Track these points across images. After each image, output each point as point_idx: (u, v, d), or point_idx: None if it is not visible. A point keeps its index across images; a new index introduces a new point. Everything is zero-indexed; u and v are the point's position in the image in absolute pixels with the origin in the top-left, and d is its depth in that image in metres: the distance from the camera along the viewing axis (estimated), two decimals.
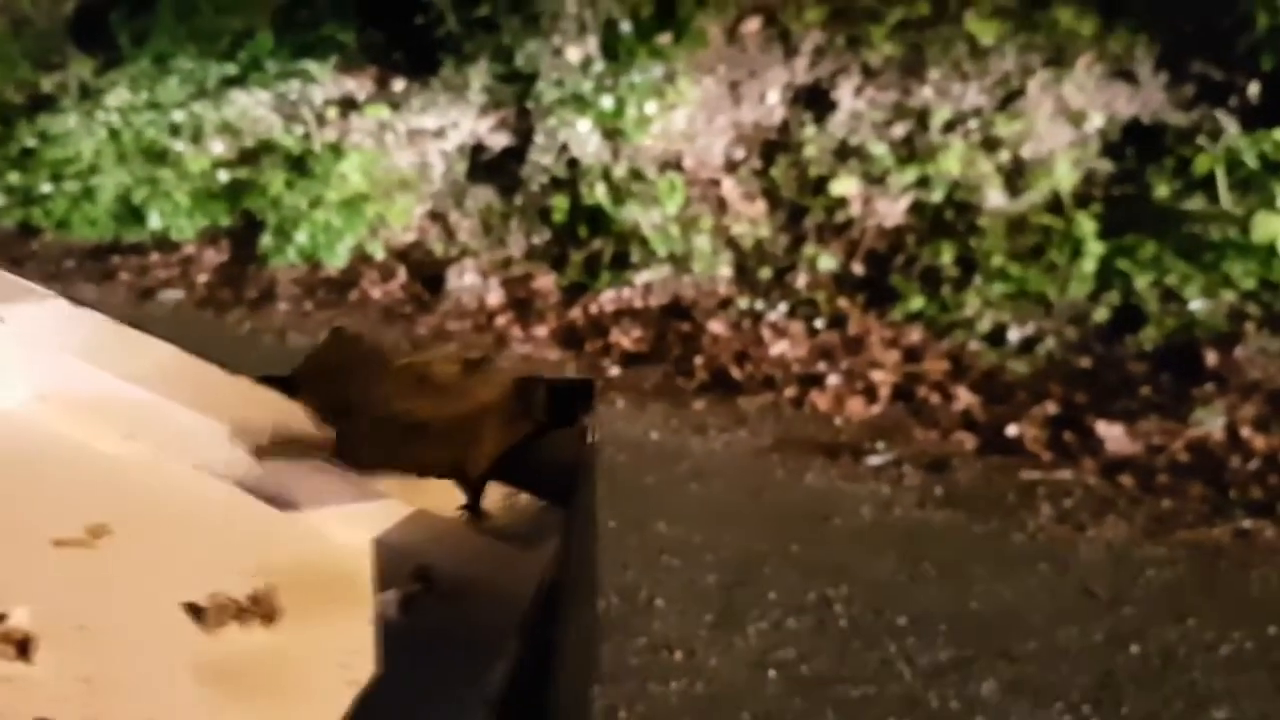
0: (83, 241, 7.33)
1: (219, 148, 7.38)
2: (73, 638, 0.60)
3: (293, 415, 0.80)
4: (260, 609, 0.66)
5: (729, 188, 5.92)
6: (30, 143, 7.82)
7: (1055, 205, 5.18)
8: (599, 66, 6.30)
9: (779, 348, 5.05)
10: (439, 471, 0.77)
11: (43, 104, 8.08)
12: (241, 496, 0.78)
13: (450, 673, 0.60)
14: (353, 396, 0.78)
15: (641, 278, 5.72)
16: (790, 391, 4.65)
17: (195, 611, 0.65)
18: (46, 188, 7.59)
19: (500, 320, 5.63)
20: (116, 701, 0.57)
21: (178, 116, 7.52)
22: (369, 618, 0.68)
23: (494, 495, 0.78)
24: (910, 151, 5.59)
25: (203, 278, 6.64)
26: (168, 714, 0.56)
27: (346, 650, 0.65)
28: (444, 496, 0.77)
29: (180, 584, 0.67)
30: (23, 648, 0.59)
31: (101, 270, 6.84)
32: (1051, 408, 4.31)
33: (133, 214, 7.29)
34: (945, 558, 3.37)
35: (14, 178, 7.76)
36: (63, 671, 0.58)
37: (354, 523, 0.75)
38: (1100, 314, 4.81)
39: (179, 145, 7.44)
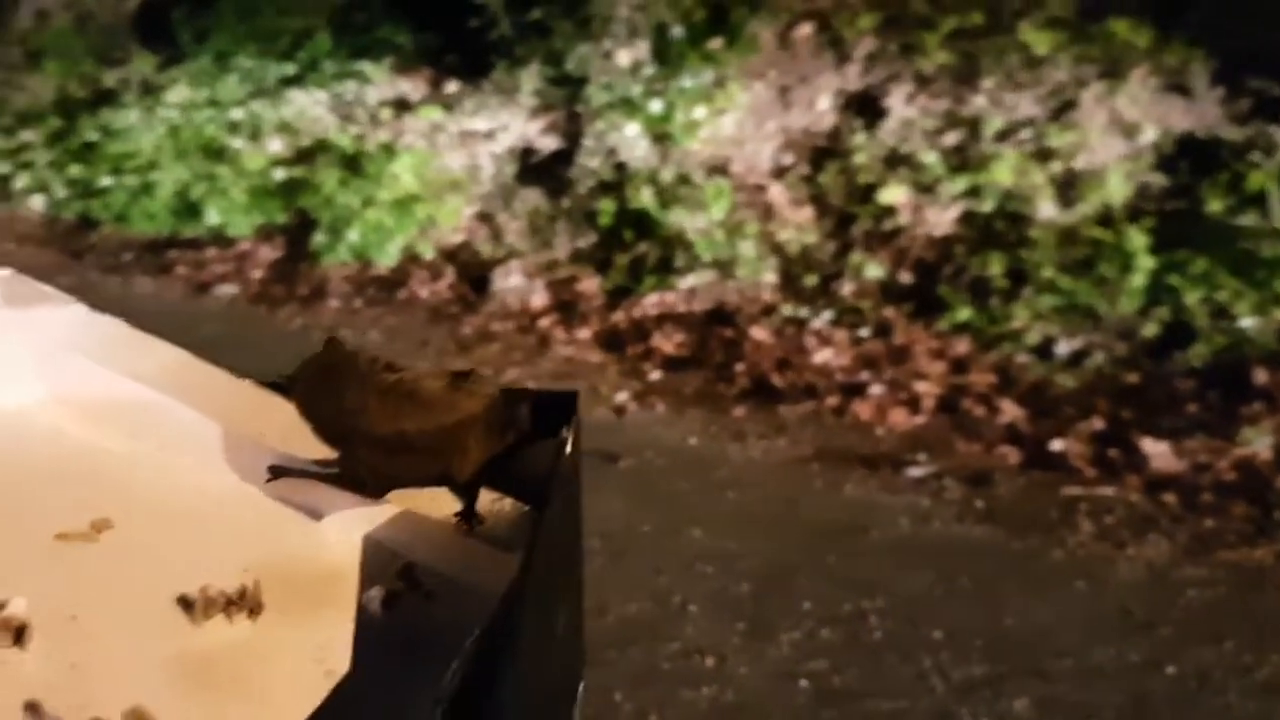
0: (141, 235, 7.46)
1: (276, 146, 7.50)
2: (65, 627, 0.63)
3: (293, 419, 0.83)
4: (247, 603, 0.68)
5: (776, 193, 5.90)
6: (92, 137, 7.99)
7: (1107, 218, 5.10)
8: (649, 70, 6.32)
9: (822, 356, 5.03)
10: (428, 481, 0.79)
11: (105, 99, 8.25)
12: (239, 495, 0.81)
13: (423, 668, 0.62)
14: (343, 411, 0.80)
15: (685, 282, 5.72)
16: (832, 400, 4.63)
17: (185, 604, 0.67)
18: (107, 181, 7.74)
19: (544, 322, 5.66)
20: (102, 688, 0.59)
21: (236, 114, 7.65)
22: (351, 614, 0.70)
23: (480, 500, 0.80)
24: (961, 161, 5.55)
25: (257, 273, 6.74)
26: (148, 700, 0.58)
27: (325, 644, 0.67)
28: (434, 500, 0.79)
29: (174, 577, 0.69)
30: (18, 635, 0.61)
31: (159, 264, 6.95)
32: (1098, 423, 4.26)
33: (190, 209, 7.41)
34: (982, 573, 3.34)
35: (75, 171, 7.93)
36: (53, 658, 0.61)
37: (344, 522, 0.77)
38: (1149, 329, 4.73)
39: (237, 143, 7.56)
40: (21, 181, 8.12)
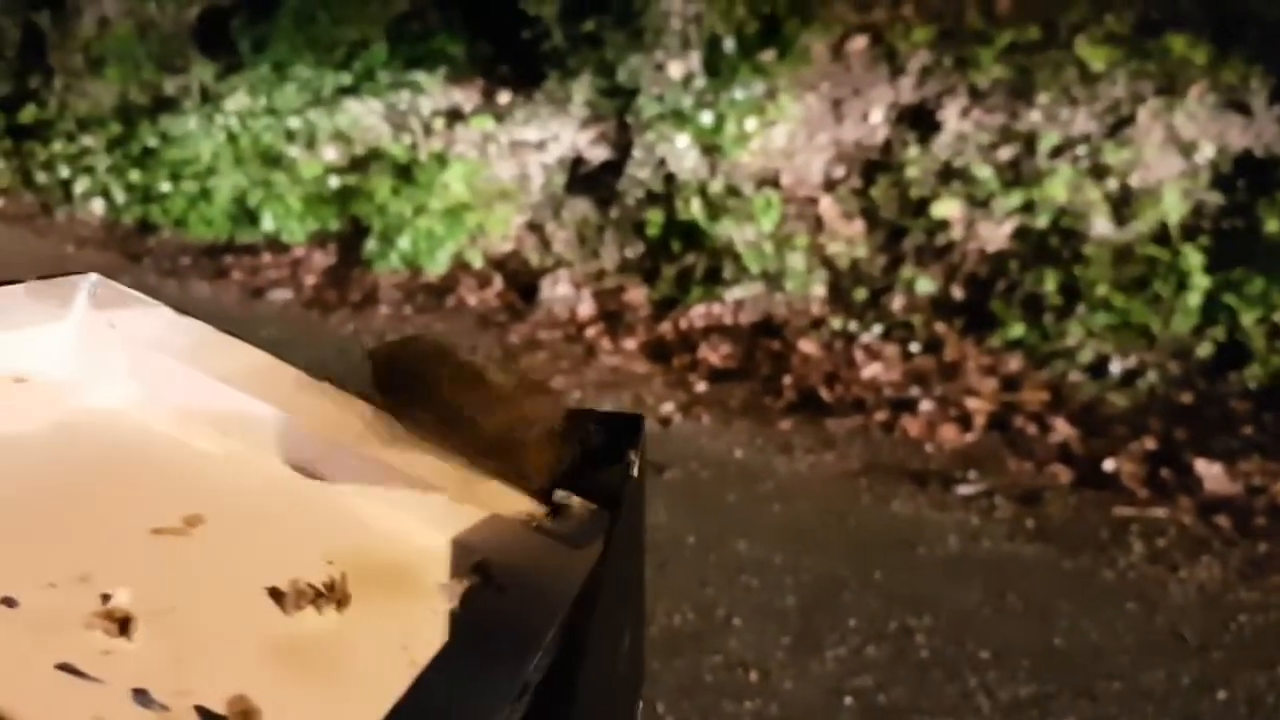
0: (198, 240, 7.60)
1: (331, 154, 7.61)
2: (167, 617, 0.66)
3: (371, 417, 0.86)
4: (334, 595, 0.71)
5: (826, 206, 5.90)
6: (152, 142, 8.15)
7: (1162, 236, 5.06)
8: (700, 82, 6.35)
9: (871, 370, 5.01)
10: (499, 474, 0.83)
11: (165, 105, 8.42)
12: (324, 492, 0.84)
13: (499, 659, 0.66)
14: (415, 384, 0.84)
15: (733, 294, 5.73)
16: (881, 415, 4.61)
17: (276, 596, 0.70)
18: (166, 187, 7.90)
19: (590, 331, 5.69)
20: (203, 676, 0.62)
21: (293, 123, 7.77)
22: (431, 607, 0.74)
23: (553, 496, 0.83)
24: (1016, 176, 5.52)
25: (310, 279, 6.83)
26: (247, 688, 0.61)
27: (409, 635, 0.71)
28: (509, 500, 0.82)
29: (264, 570, 0.72)
30: (123, 626, 0.65)
31: (215, 268, 7.07)
32: (1150, 443, 4.21)
33: (247, 215, 7.55)
34: (1032, 592, 3.32)
35: (135, 176, 8.09)
36: (156, 648, 0.64)
37: (424, 519, 0.81)
38: (1204, 349, 4.68)
39: (293, 151, 7.69)
40: (82, 185, 8.30)
